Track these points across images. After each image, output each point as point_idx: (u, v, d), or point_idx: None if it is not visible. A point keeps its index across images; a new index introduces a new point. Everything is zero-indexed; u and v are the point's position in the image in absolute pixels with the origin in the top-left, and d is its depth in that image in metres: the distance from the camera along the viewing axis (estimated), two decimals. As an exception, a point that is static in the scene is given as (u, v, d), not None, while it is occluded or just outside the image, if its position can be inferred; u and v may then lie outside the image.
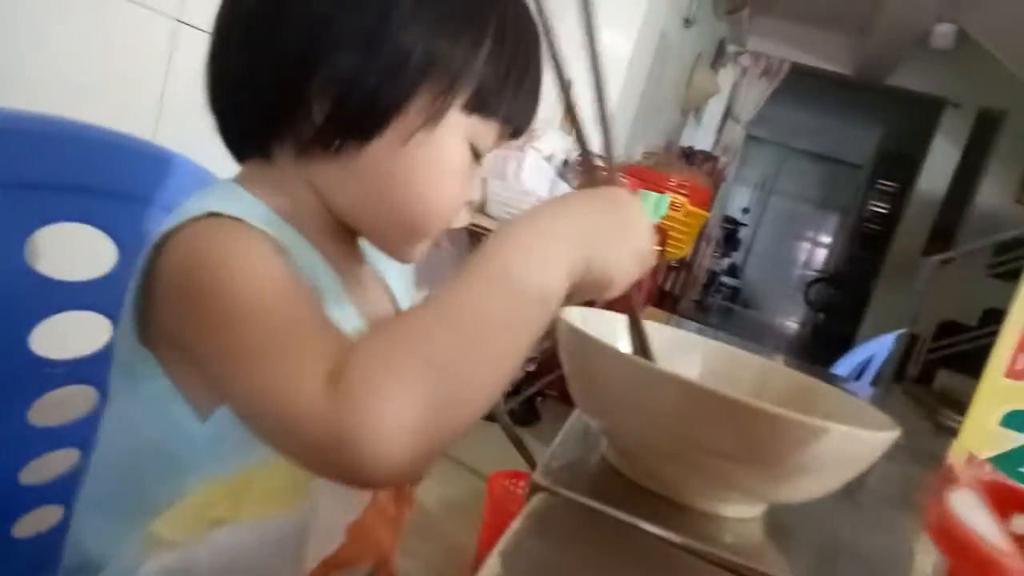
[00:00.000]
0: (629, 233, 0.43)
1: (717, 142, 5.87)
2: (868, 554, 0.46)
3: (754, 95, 5.71)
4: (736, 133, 5.79)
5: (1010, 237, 4.42)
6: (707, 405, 0.38)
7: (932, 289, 4.41)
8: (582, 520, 0.38)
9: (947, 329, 5.07)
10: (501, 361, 0.38)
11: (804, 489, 0.41)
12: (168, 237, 0.43)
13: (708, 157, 4.99)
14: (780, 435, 0.38)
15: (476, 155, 0.51)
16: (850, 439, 0.38)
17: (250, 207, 0.46)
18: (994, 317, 4.43)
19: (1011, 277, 4.57)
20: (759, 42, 5.83)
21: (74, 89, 0.84)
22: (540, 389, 2.43)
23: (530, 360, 2.58)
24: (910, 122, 6.88)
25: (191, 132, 0.98)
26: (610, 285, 0.43)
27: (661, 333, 0.57)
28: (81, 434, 0.65)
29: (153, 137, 0.92)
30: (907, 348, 4.69)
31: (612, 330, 0.50)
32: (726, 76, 5.65)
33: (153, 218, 0.66)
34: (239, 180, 0.50)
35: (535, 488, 0.39)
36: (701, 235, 4.79)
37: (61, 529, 0.63)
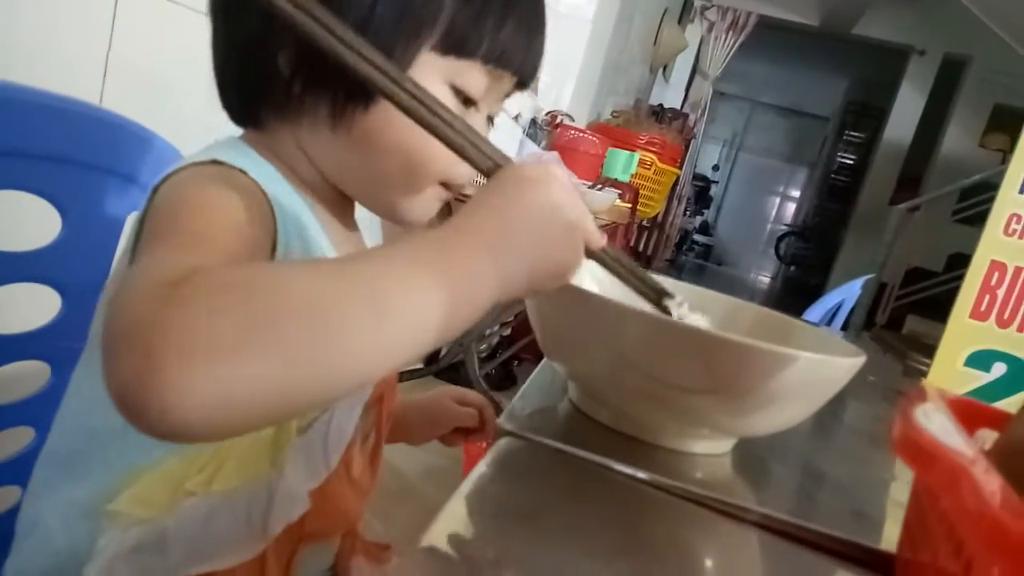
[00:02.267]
0: (554, 218, 0.37)
1: (686, 99, 5.83)
2: (840, 483, 0.46)
3: (722, 50, 5.67)
4: (704, 89, 5.76)
5: (974, 182, 4.47)
6: (673, 338, 0.37)
7: (899, 237, 4.45)
8: (548, 462, 0.37)
9: (914, 276, 5.15)
10: (382, 344, 0.30)
11: (773, 419, 0.40)
12: (167, 179, 0.42)
13: (678, 114, 4.96)
14: (748, 365, 0.37)
15: (467, 101, 0.48)
16: (817, 366, 0.37)
17: (256, 164, 0.45)
18: (959, 262, 4.50)
19: (975, 221, 4.63)
20: (725, -5, 5.78)
21: (11, 52, 0.80)
22: (516, 353, 2.43)
23: (505, 324, 2.57)
24: (876, 72, 6.89)
25: (137, 96, 0.94)
26: (560, 277, 0.38)
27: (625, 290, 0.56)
28: (35, 411, 0.62)
29: (100, 102, 0.88)
30: (876, 296, 4.76)
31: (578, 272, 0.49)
32: (693, 31, 5.60)
33: (99, 184, 0.63)
34: (244, 140, 0.50)
35: (500, 434, 0.38)
36: (672, 194, 4.78)
37: (19, 510, 0.62)
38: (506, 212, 0.35)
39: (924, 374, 0.73)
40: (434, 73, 0.46)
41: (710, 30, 5.69)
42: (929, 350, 0.73)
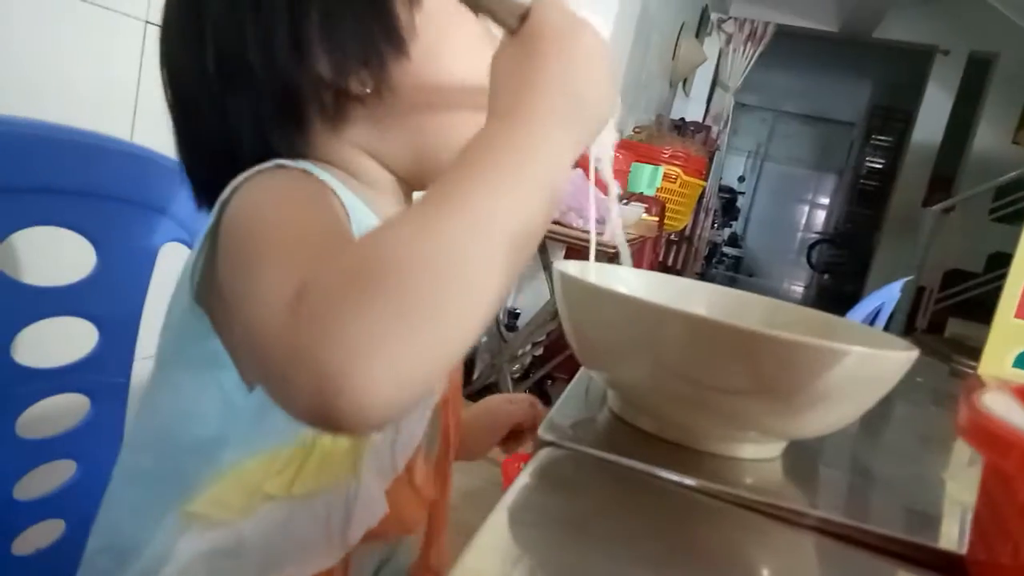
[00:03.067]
0: (600, 68, 0.37)
1: (707, 112, 5.81)
2: (894, 483, 0.44)
3: (740, 61, 5.65)
4: (726, 101, 5.73)
5: (1009, 179, 4.37)
6: (715, 338, 0.36)
7: (935, 239, 4.37)
8: (591, 472, 0.36)
9: (953, 278, 5.03)
10: (507, 264, 0.31)
11: (824, 420, 0.39)
12: (236, 191, 0.41)
13: (700, 127, 4.93)
14: (795, 363, 0.35)
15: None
16: (869, 360, 0.36)
17: (314, 168, 0.44)
18: (1000, 261, 4.38)
19: (1014, 220, 4.52)
20: (741, 7, 5.76)
21: (47, 94, 0.83)
22: (549, 372, 2.42)
23: (537, 344, 2.56)
24: (900, 74, 6.80)
25: (167, 132, 0.96)
26: (604, 120, 0.39)
27: (661, 284, 0.55)
28: (76, 445, 0.63)
29: (130, 138, 0.90)
30: (915, 300, 4.66)
31: (610, 278, 0.48)
32: (711, 44, 5.59)
33: (132, 218, 0.64)
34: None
35: (541, 444, 0.37)
36: (699, 206, 4.75)
37: (64, 543, 0.62)
38: (567, 80, 0.36)
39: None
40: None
41: (728, 42, 5.67)
42: (974, 352, 0.72)
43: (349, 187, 0.45)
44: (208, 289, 0.43)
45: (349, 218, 0.42)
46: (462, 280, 0.29)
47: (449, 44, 0.46)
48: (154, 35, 0.94)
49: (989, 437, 0.21)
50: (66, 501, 0.62)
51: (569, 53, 0.36)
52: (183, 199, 0.66)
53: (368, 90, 0.45)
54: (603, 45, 0.38)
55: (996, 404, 0.24)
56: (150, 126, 0.90)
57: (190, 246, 0.67)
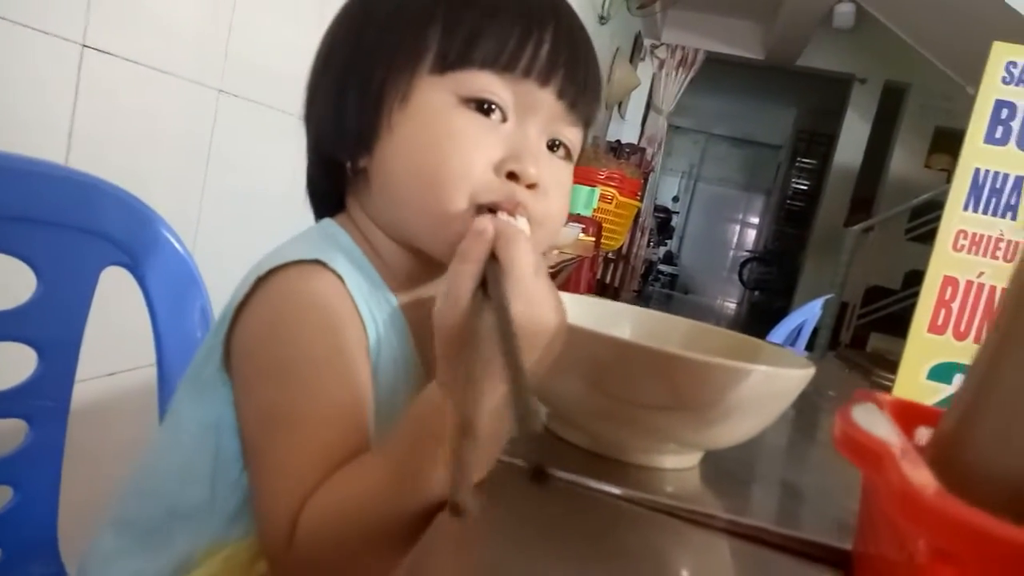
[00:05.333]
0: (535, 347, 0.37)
1: (642, 134, 5.99)
2: (803, 490, 0.48)
3: (673, 86, 5.85)
4: (659, 124, 5.92)
5: (922, 201, 4.65)
6: (637, 360, 0.40)
7: (856, 257, 4.60)
8: (522, 483, 0.39)
9: (874, 294, 5.30)
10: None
11: (734, 432, 0.43)
12: (270, 274, 0.44)
13: (635, 149, 5.08)
14: (707, 381, 0.40)
15: (487, 110, 0.45)
16: (771, 378, 0.40)
17: (349, 252, 0.48)
18: (916, 278, 4.65)
19: (927, 239, 4.80)
20: (673, 34, 5.98)
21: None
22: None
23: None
24: (822, 100, 7.15)
25: (102, 160, 0.95)
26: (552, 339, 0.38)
27: (591, 307, 0.59)
28: (13, 470, 0.62)
29: (65, 162, 0.89)
30: (839, 315, 4.88)
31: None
32: (645, 69, 5.78)
33: (73, 243, 0.64)
34: (336, 222, 0.52)
35: (479, 459, 0.40)
36: (635, 226, 4.88)
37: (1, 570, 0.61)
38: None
39: (889, 390, 0.74)
40: (439, 92, 0.45)
41: (661, 67, 5.87)
42: (893, 366, 0.74)
43: (365, 252, 0.49)
44: (229, 357, 0.45)
45: (364, 323, 0.45)
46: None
47: (419, 132, 0.46)
48: (91, 58, 0.94)
49: (849, 443, 0.26)
50: (3, 528, 0.61)
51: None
52: (122, 223, 0.67)
53: (362, 166, 0.48)
54: (560, 329, 0.38)
55: (862, 414, 0.28)
56: (86, 151, 0.89)
57: (130, 269, 0.68)
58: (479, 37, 0.45)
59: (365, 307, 0.45)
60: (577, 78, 0.47)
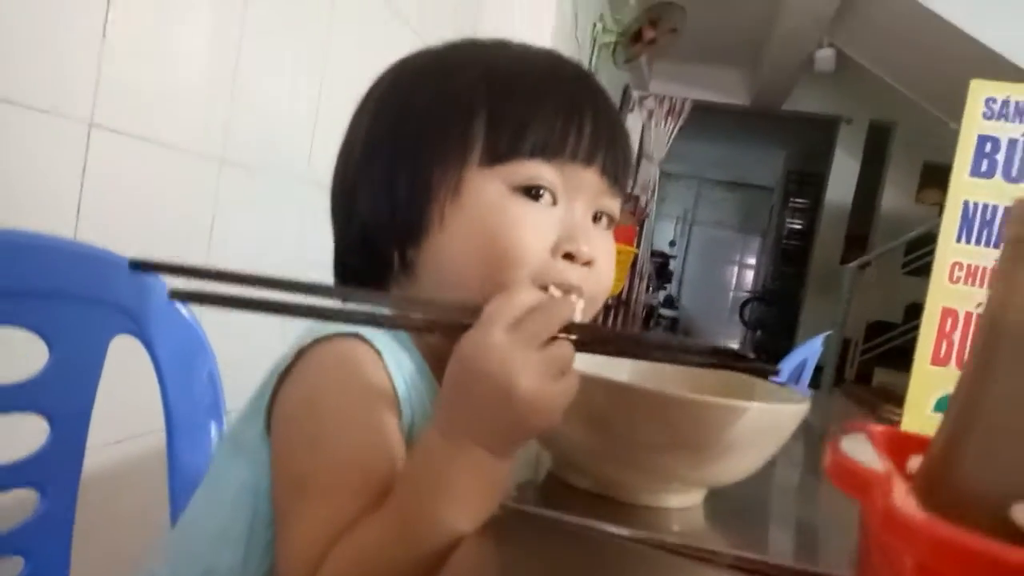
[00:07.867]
0: (517, 397, 0.38)
1: (635, 182, 6.09)
2: (808, 524, 0.49)
3: (663, 134, 5.97)
4: (652, 172, 6.02)
5: (917, 235, 4.69)
6: (636, 402, 0.41)
7: (855, 294, 4.61)
8: (530, 529, 0.40)
9: (876, 329, 5.30)
10: None
11: (734, 468, 0.44)
12: (312, 344, 0.45)
13: (629, 197, 5.17)
14: (704, 420, 0.41)
15: (536, 195, 0.47)
16: (766, 414, 0.41)
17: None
18: (916, 311, 4.65)
19: (923, 272, 4.82)
20: (661, 84, 6.13)
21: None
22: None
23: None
24: (810, 141, 7.28)
25: (109, 232, 0.98)
26: (540, 431, 0.41)
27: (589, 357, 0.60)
28: (25, 540, 0.63)
29: (74, 237, 0.92)
30: (842, 352, 4.87)
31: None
32: (635, 119, 5.90)
33: (84, 314, 0.66)
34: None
35: (487, 507, 0.41)
36: (633, 271, 4.91)
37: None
38: (499, 417, 0.38)
39: (898, 424, 0.74)
40: (491, 183, 0.47)
41: (650, 117, 5.99)
42: (899, 400, 0.74)
43: (416, 344, 0.49)
44: (271, 421, 0.47)
45: (398, 398, 0.45)
46: None
47: (482, 228, 0.47)
48: (99, 137, 0.98)
49: (843, 475, 0.27)
50: (14, 599, 0.62)
51: (478, 389, 0.38)
52: (131, 292, 0.69)
53: (410, 257, 0.50)
54: (508, 367, 0.38)
55: (851, 444, 0.30)
56: (94, 224, 0.91)
57: (140, 337, 0.69)
58: (526, 128, 0.47)
59: (401, 380, 0.46)
60: (617, 155, 0.50)
